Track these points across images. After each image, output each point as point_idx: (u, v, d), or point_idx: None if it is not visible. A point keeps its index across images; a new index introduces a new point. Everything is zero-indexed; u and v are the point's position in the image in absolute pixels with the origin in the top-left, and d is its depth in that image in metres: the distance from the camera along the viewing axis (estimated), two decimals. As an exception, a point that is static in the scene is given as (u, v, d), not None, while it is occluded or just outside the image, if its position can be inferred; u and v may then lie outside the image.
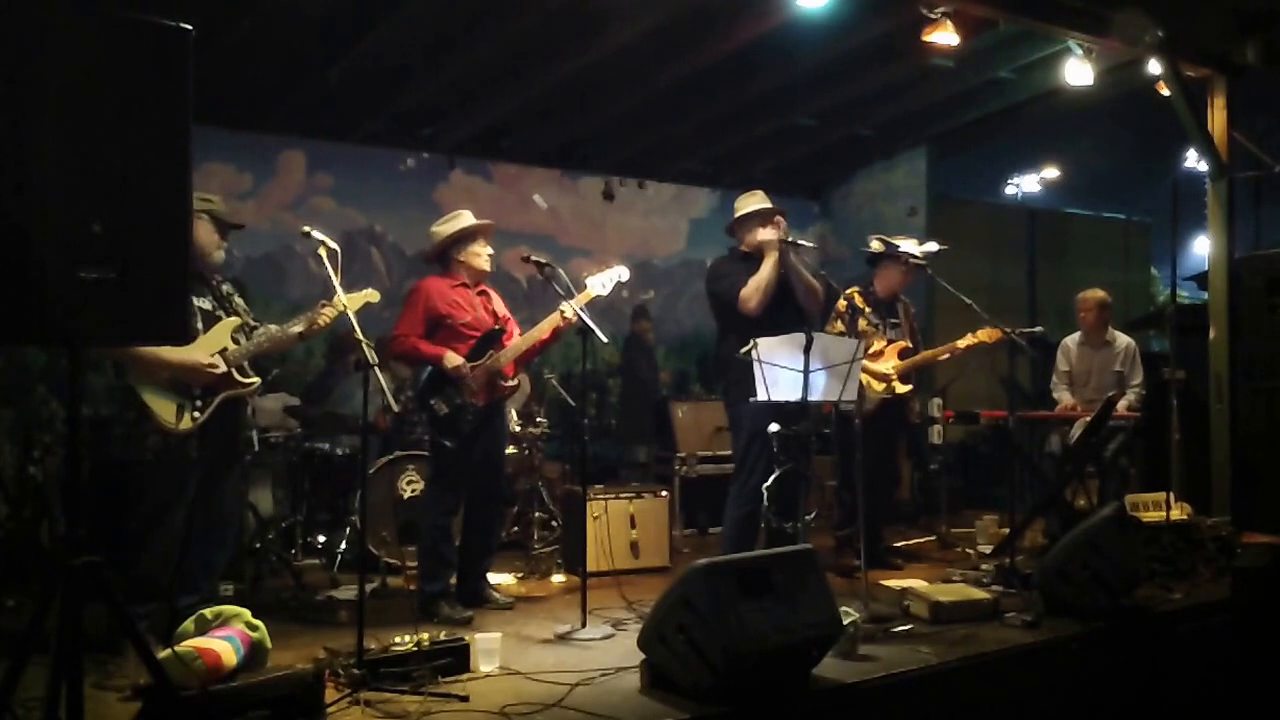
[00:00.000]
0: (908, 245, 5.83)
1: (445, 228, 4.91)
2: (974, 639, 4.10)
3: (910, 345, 5.84)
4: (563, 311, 4.65)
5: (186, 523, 4.05)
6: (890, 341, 5.74)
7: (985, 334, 5.56)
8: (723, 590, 3.29)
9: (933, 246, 5.96)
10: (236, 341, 4.20)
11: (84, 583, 2.35)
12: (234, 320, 4.24)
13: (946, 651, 3.91)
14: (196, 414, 4.02)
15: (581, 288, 4.84)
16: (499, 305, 5.03)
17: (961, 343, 5.71)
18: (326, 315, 4.23)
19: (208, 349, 4.07)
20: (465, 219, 4.92)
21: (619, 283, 4.91)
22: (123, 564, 3.99)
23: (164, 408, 3.95)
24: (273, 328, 4.29)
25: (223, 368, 4.08)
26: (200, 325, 4.11)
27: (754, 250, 5.14)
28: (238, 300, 4.40)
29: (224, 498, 4.28)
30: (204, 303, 4.20)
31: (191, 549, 4.11)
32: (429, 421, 4.85)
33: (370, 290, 4.48)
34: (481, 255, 4.90)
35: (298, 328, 4.25)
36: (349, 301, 4.33)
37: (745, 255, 5.20)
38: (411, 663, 3.46)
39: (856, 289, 5.68)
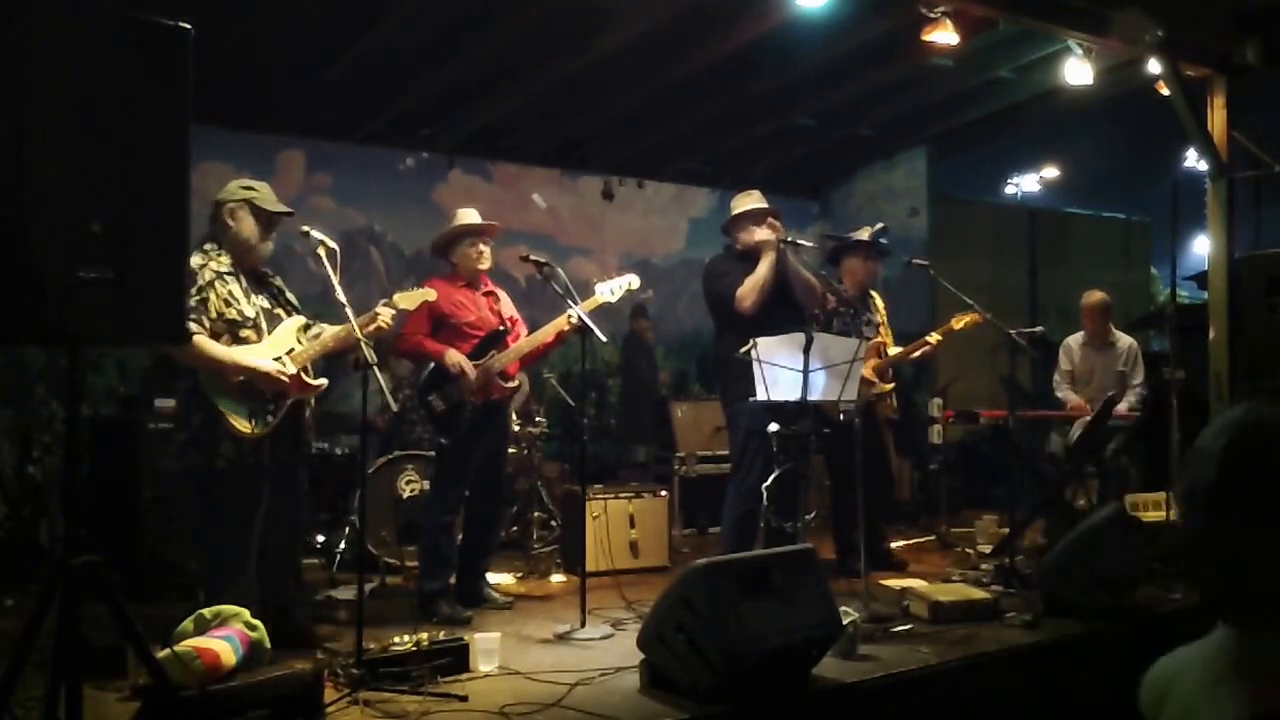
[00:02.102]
0: (858, 235, 5.82)
1: (446, 226, 4.93)
2: (974, 639, 4.10)
3: (886, 341, 5.81)
4: (569, 317, 4.62)
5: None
6: (867, 340, 5.70)
7: (957, 321, 5.54)
8: (722, 590, 3.29)
9: (878, 225, 5.95)
10: (300, 341, 4.03)
11: (83, 583, 2.35)
12: (299, 320, 4.07)
13: (946, 651, 3.91)
14: (269, 418, 3.87)
15: (589, 292, 4.83)
16: (507, 307, 5.02)
17: (933, 337, 5.69)
18: (386, 314, 4.10)
19: (275, 350, 3.91)
20: (462, 217, 4.90)
21: (628, 290, 4.86)
22: (216, 575, 3.94)
23: (238, 413, 3.81)
24: (336, 328, 4.04)
25: (293, 369, 3.92)
26: (264, 325, 3.96)
27: (750, 249, 5.13)
28: (290, 296, 4.21)
29: (293, 503, 4.16)
30: (262, 300, 4.02)
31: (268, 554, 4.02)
32: (427, 417, 4.87)
33: (427, 289, 4.44)
34: (471, 255, 4.85)
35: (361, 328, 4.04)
36: (407, 299, 4.27)
37: (742, 254, 5.20)
38: (411, 663, 3.46)
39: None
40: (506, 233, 5.36)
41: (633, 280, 4.89)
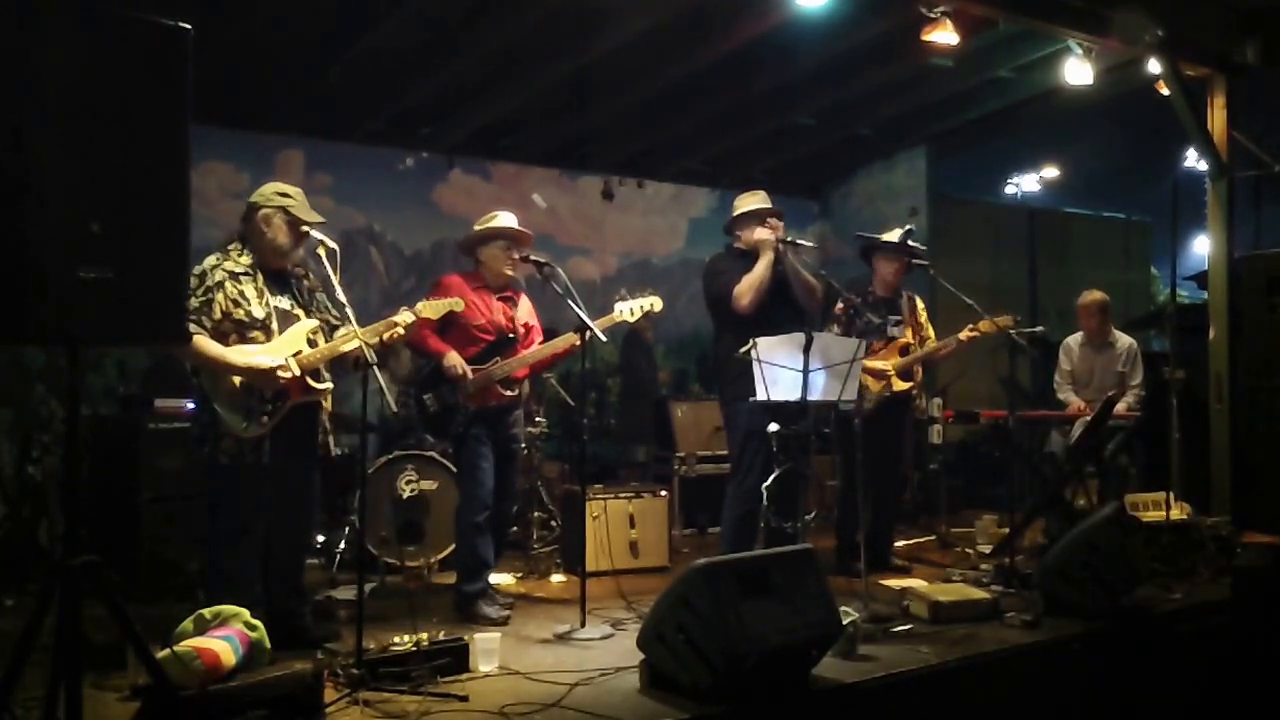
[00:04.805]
0: (890, 236, 5.82)
1: (479, 225, 4.87)
2: (974, 639, 4.10)
3: (911, 342, 5.80)
4: (580, 332, 4.50)
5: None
6: (891, 340, 5.72)
7: (985, 325, 5.52)
8: (722, 590, 3.29)
9: (909, 227, 5.95)
10: (313, 344, 3.98)
11: (83, 582, 2.35)
12: (311, 323, 4.03)
13: (946, 651, 3.91)
14: (265, 419, 3.86)
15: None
16: (524, 313, 4.95)
17: (963, 335, 5.68)
18: (404, 321, 4.06)
19: (279, 352, 3.88)
20: (499, 220, 4.83)
21: (649, 310, 4.78)
22: (212, 567, 3.98)
23: (232, 412, 3.82)
24: (345, 332, 3.99)
25: (294, 372, 3.87)
26: (275, 326, 3.94)
27: (751, 248, 5.13)
28: (320, 297, 4.18)
29: (300, 505, 4.13)
30: (280, 301, 3.99)
31: (270, 556, 4.03)
32: (419, 416, 4.85)
33: (455, 299, 4.38)
34: (503, 260, 4.78)
35: (374, 334, 3.96)
36: (432, 309, 4.20)
37: (742, 253, 5.20)
38: (410, 663, 3.46)
39: (854, 292, 5.63)
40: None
41: (655, 301, 4.79)
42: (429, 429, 4.84)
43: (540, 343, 4.93)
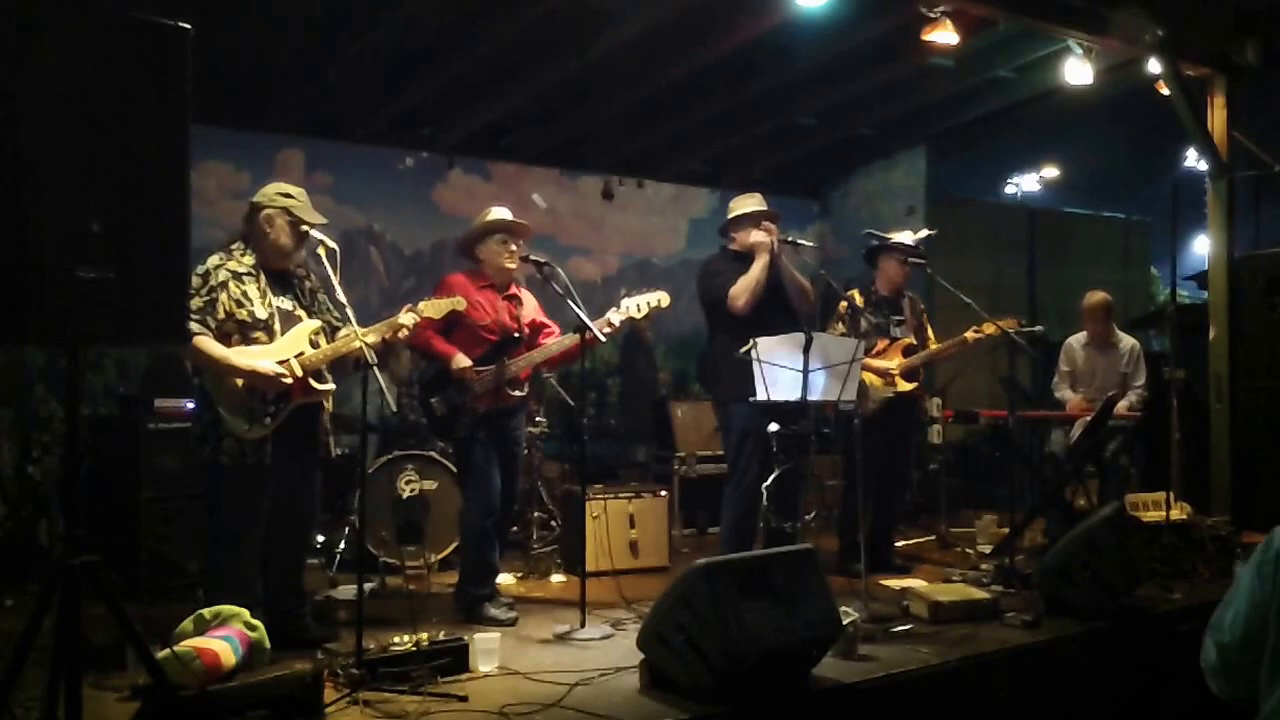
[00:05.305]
0: (901, 237, 5.82)
1: (475, 223, 4.85)
2: (974, 639, 4.11)
3: (914, 342, 5.80)
4: (586, 333, 4.47)
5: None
6: (894, 340, 5.72)
7: (989, 327, 5.53)
8: (722, 590, 3.29)
9: (923, 233, 5.95)
10: (315, 345, 3.98)
11: (82, 582, 2.35)
12: (313, 324, 4.03)
13: (946, 651, 3.91)
14: (268, 420, 3.86)
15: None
16: (529, 311, 4.90)
17: (968, 335, 5.68)
18: (410, 320, 4.06)
19: (281, 353, 3.87)
20: (493, 214, 4.81)
21: (656, 306, 4.75)
22: (212, 567, 4.02)
23: (235, 414, 3.82)
24: (347, 333, 3.98)
25: (297, 373, 3.87)
26: (278, 327, 3.93)
27: (747, 250, 5.14)
28: (321, 298, 4.17)
29: (300, 506, 4.12)
30: (283, 301, 3.99)
31: (270, 557, 4.03)
32: (426, 419, 4.83)
33: (457, 298, 4.35)
34: (502, 254, 4.73)
35: (377, 335, 3.95)
36: (434, 309, 4.17)
37: (738, 255, 5.21)
38: (410, 663, 3.46)
39: (857, 289, 5.67)
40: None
41: (662, 298, 4.75)
42: (436, 431, 4.81)
43: (553, 339, 4.90)
